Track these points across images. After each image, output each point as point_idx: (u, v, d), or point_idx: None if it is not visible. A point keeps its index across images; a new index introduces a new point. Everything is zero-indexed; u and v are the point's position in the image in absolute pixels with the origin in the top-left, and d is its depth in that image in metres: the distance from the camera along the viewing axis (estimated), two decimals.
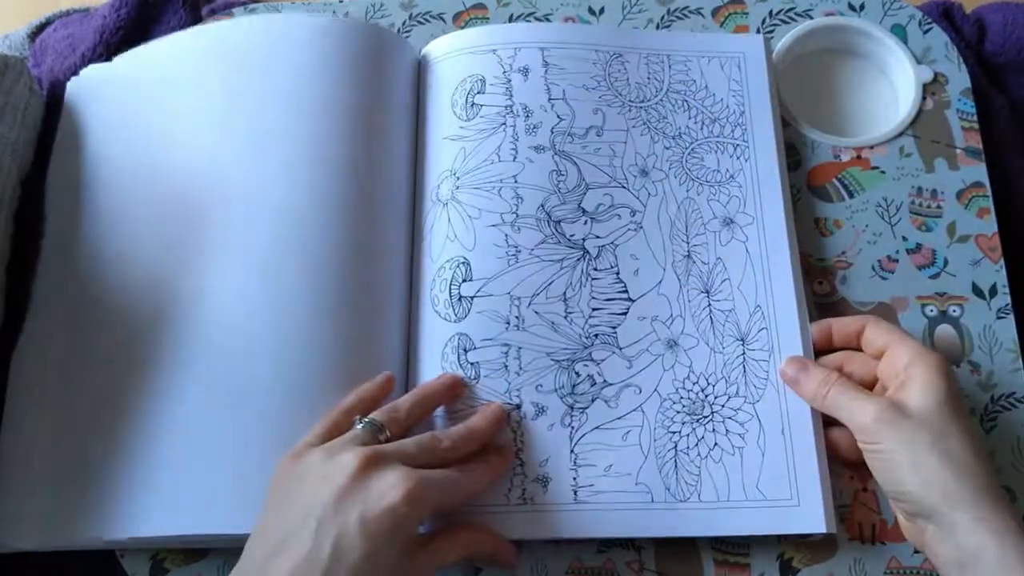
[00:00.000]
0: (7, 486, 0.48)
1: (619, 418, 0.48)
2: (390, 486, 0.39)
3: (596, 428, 0.47)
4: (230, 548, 0.47)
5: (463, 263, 0.50)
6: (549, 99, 0.54)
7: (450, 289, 0.50)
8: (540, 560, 0.47)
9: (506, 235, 0.50)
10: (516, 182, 0.52)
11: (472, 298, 0.49)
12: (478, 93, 0.54)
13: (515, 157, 0.52)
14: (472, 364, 0.48)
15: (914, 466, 0.42)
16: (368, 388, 0.46)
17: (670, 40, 0.57)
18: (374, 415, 0.44)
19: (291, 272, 0.49)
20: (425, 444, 0.43)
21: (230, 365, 0.48)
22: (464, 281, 0.50)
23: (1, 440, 0.49)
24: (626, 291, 0.50)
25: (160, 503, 0.46)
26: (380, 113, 0.53)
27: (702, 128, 0.54)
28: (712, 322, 0.50)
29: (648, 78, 0.55)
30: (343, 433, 0.43)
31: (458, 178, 0.52)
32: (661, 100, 0.55)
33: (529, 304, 0.49)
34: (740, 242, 0.51)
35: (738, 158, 0.53)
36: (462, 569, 0.47)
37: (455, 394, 0.47)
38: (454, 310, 0.49)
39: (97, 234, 0.52)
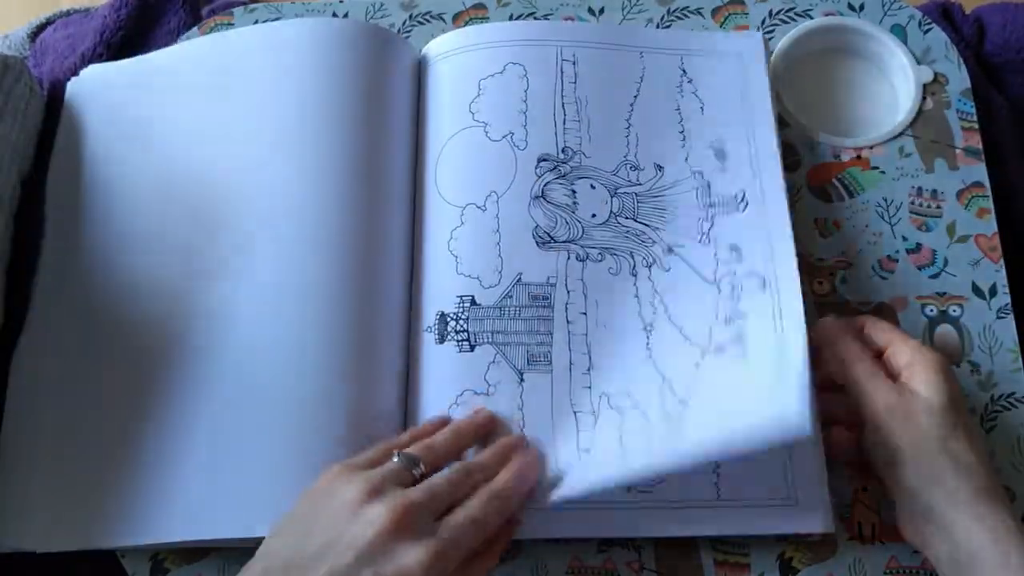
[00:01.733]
0: (8, 487, 0.48)
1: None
2: (411, 557, 0.38)
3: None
4: (230, 548, 0.47)
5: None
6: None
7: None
8: (540, 560, 0.47)
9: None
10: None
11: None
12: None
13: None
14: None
15: (916, 462, 0.42)
16: (423, 430, 0.46)
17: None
18: (410, 450, 0.43)
19: (296, 274, 0.49)
20: (460, 480, 0.43)
21: (236, 371, 0.48)
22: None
23: (3, 441, 0.49)
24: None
25: (163, 509, 0.46)
26: (381, 113, 0.53)
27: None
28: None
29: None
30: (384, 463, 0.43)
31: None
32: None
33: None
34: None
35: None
36: None
37: (489, 430, 0.47)
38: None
39: (99, 234, 0.52)
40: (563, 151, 0.52)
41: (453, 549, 0.40)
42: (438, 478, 0.42)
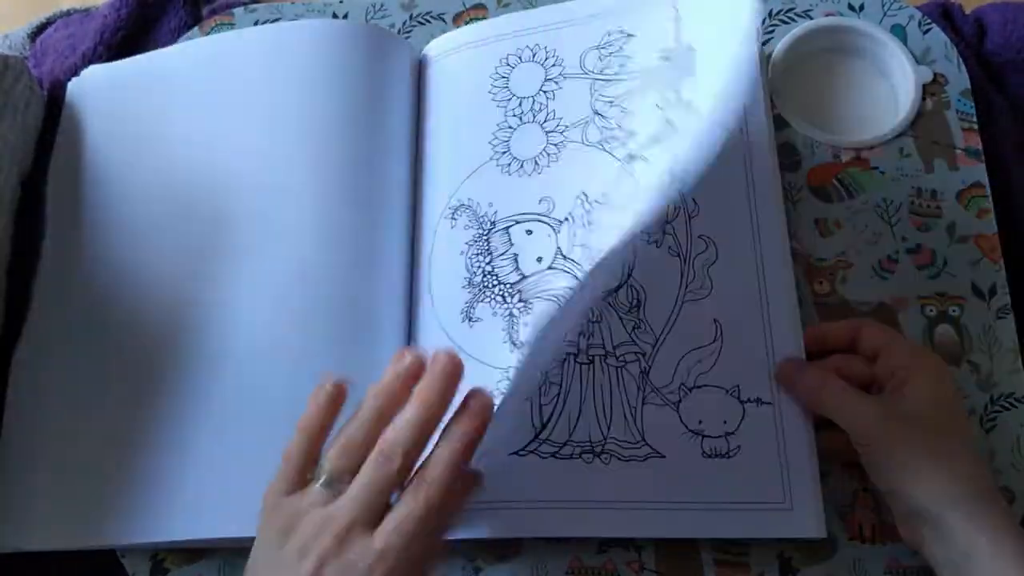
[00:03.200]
0: (8, 487, 0.48)
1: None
2: (367, 553, 0.36)
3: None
4: (230, 548, 0.48)
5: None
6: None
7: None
8: (540, 560, 0.47)
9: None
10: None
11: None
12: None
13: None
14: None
15: (909, 467, 0.42)
16: (313, 416, 0.40)
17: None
18: (330, 467, 0.38)
19: (297, 276, 0.49)
20: (379, 477, 0.37)
21: (233, 371, 0.48)
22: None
23: (3, 441, 0.49)
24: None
25: (164, 508, 0.46)
26: (381, 114, 0.53)
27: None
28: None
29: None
30: (306, 474, 0.39)
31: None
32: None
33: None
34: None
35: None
36: (462, 569, 0.47)
37: (411, 383, 0.40)
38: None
39: (99, 235, 0.52)
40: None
41: (398, 551, 0.36)
42: (354, 487, 0.37)
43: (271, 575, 0.38)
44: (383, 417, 0.39)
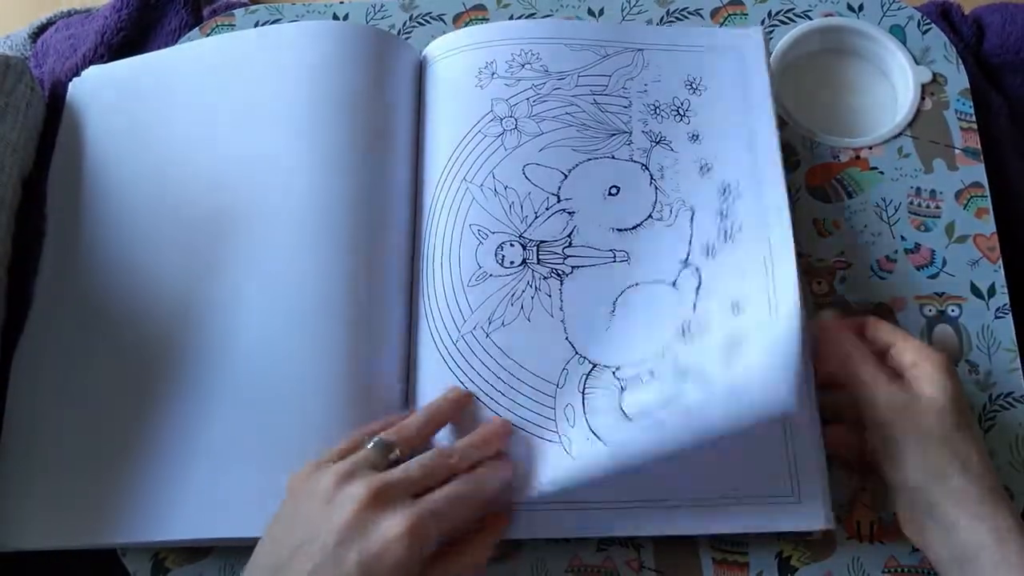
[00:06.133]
0: (9, 486, 0.48)
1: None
2: (392, 527, 0.38)
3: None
4: (232, 548, 0.48)
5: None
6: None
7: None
8: (540, 559, 0.47)
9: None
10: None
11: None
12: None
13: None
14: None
15: (921, 460, 0.42)
16: (395, 418, 0.46)
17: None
18: (384, 435, 0.43)
19: (299, 277, 0.49)
20: (435, 464, 0.42)
21: (237, 371, 0.48)
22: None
23: (3, 440, 0.49)
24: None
25: (165, 508, 0.46)
26: (382, 116, 0.53)
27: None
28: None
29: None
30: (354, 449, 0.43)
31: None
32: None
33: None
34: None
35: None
36: None
37: (462, 407, 0.47)
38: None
39: (99, 234, 0.52)
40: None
41: (432, 519, 0.40)
42: (412, 461, 0.42)
43: (302, 506, 0.40)
44: (431, 421, 0.45)
